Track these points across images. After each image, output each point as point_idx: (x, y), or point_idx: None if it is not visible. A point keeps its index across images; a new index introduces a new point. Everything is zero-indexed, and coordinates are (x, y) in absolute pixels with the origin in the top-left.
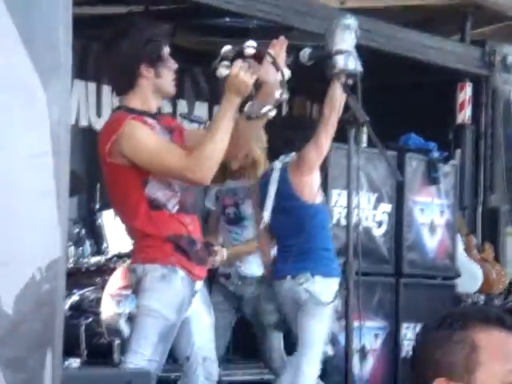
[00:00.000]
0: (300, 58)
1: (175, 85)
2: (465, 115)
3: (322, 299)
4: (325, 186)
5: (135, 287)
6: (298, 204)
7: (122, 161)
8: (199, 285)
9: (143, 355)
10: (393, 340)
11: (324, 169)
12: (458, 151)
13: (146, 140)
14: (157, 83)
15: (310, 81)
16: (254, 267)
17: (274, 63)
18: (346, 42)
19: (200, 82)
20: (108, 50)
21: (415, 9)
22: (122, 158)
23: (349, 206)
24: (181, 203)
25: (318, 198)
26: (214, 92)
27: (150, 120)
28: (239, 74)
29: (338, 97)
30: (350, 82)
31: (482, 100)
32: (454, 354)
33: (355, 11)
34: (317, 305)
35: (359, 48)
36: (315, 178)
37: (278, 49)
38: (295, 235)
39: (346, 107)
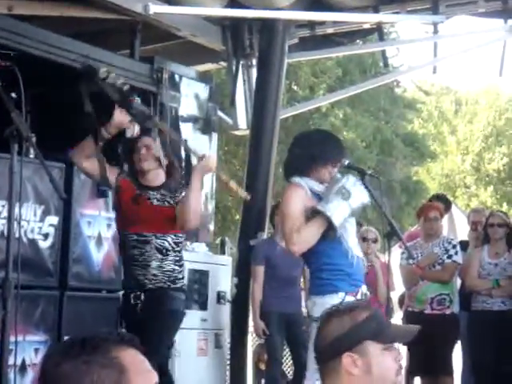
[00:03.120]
0: None
1: None
2: (133, 130)
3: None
4: None
5: None
6: None
7: None
8: None
9: None
10: None
11: None
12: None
13: None
14: None
15: None
16: None
17: None
18: None
19: None
20: None
21: (86, 21)
22: None
23: (10, 218)
24: None
25: None
26: None
27: None
28: None
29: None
30: (13, 95)
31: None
32: (105, 379)
33: (23, 19)
34: None
35: (26, 56)
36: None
37: None
38: None
39: (10, 122)
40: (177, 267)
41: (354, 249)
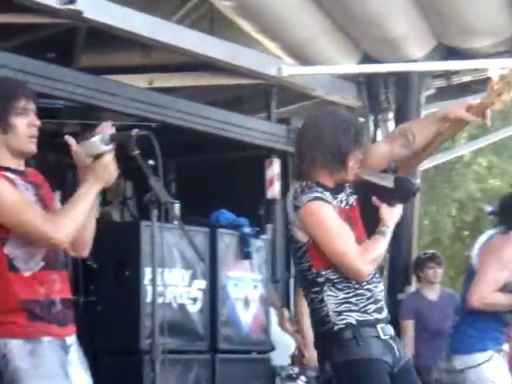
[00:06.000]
0: (101, 142)
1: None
2: (274, 190)
3: None
4: (137, 264)
5: None
6: None
7: None
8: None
9: None
10: None
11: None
12: (270, 226)
13: (4, 195)
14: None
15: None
16: None
17: None
18: None
19: None
20: None
21: (223, 88)
22: None
23: (154, 284)
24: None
25: None
26: None
27: (11, 175)
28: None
29: None
30: (151, 162)
31: (289, 175)
32: None
33: (164, 91)
34: None
35: (168, 127)
36: None
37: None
38: None
39: (149, 188)
40: None
41: None
